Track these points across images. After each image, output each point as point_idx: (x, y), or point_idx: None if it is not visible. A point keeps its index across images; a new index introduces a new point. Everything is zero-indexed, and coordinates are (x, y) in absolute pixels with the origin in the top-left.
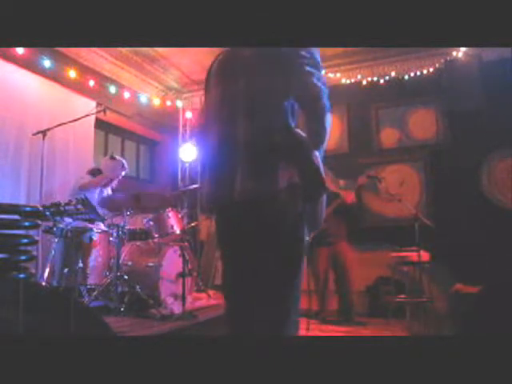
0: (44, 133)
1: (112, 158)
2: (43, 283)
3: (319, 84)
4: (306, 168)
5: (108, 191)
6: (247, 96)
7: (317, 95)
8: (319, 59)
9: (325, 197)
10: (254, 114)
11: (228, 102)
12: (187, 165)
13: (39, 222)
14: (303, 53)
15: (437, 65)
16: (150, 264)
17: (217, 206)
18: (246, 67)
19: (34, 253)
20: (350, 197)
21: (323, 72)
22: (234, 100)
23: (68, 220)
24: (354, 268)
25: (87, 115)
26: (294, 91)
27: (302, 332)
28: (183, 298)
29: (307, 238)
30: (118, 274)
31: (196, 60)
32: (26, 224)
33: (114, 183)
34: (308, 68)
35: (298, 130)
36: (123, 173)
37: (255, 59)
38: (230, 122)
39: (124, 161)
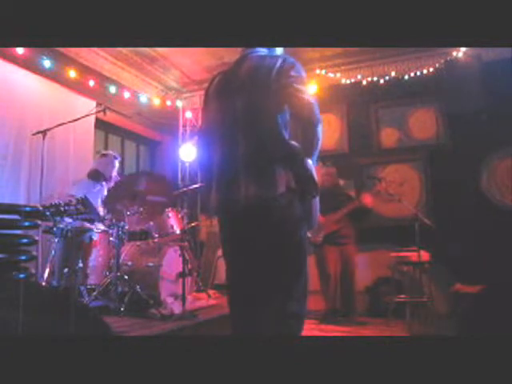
0: (44, 133)
1: (103, 154)
2: (43, 283)
3: (310, 98)
4: (300, 174)
5: (105, 191)
6: (245, 114)
7: (309, 109)
8: (305, 76)
9: (318, 198)
10: (252, 129)
11: (228, 119)
12: (187, 165)
13: (39, 222)
14: (292, 73)
15: (437, 65)
16: (150, 264)
17: (224, 212)
18: (242, 89)
19: (34, 253)
20: (369, 199)
21: (318, 71)
22: (234, 118)
23: (68, 220)
24: (359, 268)
25: (87, 115)
26: (289, 106)
27: (311, 333)
28: (183, 298)
29: (320, 239)
30: (118, 274)
31: (196, 60)
32: (26, 224)
33: (115, 177)
34: (298, 86)
35: (293, 142)
36: (117, 163)
37: (249, 82)
38: (231, 137)
39: (113, 152)
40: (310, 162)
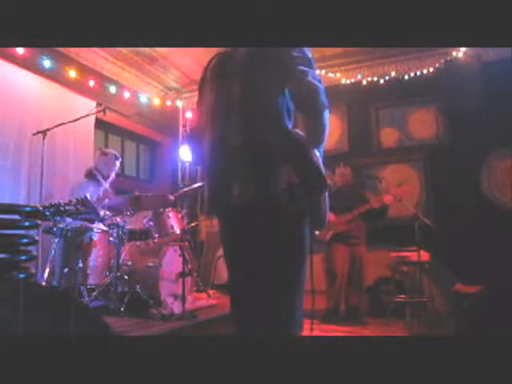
0: (44, 133)
1: (104, 153)
2: (43, 283)
3: (315, 81)
4: (305, 167)
5: (106, 186)
6: (242, 99)
7: (314, 92)
8: (311, 57)
9: (327, 194)
10: (249, 117)
11: (223, 106)
12: (187, 165)
13: (39, 221)
14: (295, 53)
15: (437, 65)
16: (150, 264)
17: (217, 209)
18: (240, 71)
19: (34, 253)
20: (389, 198)
21: (318, 71)
22: (229, 104)
23: (68, 220)
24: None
25: (87, 115)
26: (291, 89)
27: (311, 333)
28: (183, 298)
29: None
30: (118, 274)
31: (196, 60)
32: (26, 224)
33: (112, 177)
34: (302, 67)
35: (297, 130)
36: (118, 163)
37: (248, 63)
38: (225, 126)
39: (115, 152)
40: (316, 153)
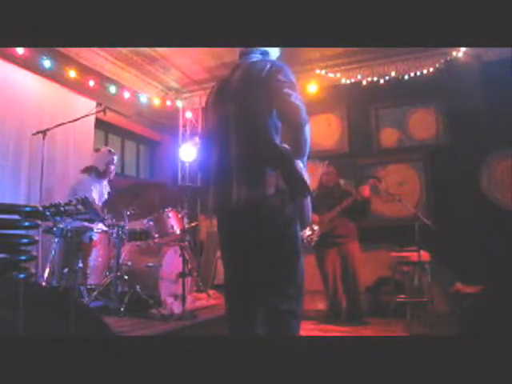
0: (44, 133)
1: (97, 149)
2: (43, 283)
3: (297, 101)
4: (290, 175)
5: (106, 188)
6: (236, 119)
7: (295, 110)
8: (295, 82)
9: (309, 198)
10: (242, 133)
11: (223, 125)
12: (187, 165)
13: (39, 222)
14: (282, 78)
15: (437, 65)
16: (150, 264)
17: (218, 213)
18: (234, 95)
19: (34, 253)
20: (367, 190)
21: (318, 71)
22: (227, 123)
23: (68, 220)
24: (360, 268)
25: (87, 115)
26: (276, 109)
27: (311, 333)
28: (183, 298)
29: (315, 238)
30: (118, 273)
31: (196, 60)
32: (26, 224)
33: (111, 174)
34: (286, 90)
35: (284, 145)
36: (115, 158)
37: (242, 87)
38: (225, 141)
39: (109, 148)
40: (300, 163)
